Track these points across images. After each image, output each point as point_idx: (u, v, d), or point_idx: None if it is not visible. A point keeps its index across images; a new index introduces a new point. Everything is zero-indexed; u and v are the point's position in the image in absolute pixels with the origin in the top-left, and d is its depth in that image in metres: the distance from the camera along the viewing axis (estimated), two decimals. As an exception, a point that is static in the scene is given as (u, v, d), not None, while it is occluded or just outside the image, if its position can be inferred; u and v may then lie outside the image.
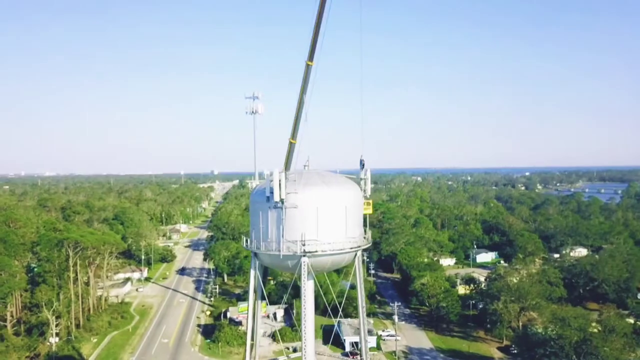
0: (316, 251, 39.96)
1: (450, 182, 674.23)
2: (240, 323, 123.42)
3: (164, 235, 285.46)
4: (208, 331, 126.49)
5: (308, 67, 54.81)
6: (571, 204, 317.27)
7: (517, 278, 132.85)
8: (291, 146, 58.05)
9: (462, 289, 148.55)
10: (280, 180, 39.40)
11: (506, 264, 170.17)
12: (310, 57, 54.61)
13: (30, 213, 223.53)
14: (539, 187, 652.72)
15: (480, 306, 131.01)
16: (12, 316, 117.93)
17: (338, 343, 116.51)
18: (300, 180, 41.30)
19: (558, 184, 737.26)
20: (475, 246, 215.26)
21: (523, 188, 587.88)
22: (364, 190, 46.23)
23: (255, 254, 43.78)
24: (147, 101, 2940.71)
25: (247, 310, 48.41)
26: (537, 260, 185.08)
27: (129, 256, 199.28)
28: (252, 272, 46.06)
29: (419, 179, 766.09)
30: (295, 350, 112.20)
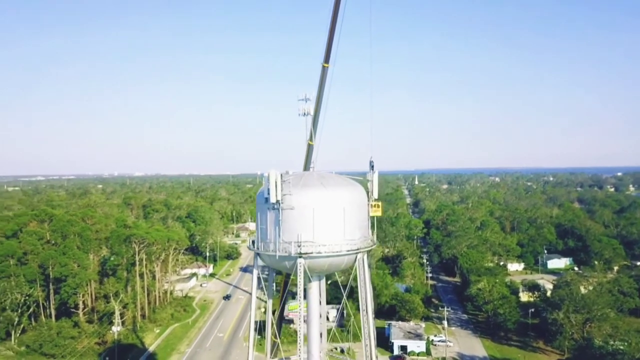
0: (311, 253, 40.10)
1: (529, 183, 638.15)
2: (291, 321, 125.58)
3: (232, 233, 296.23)
4: (261, 327, 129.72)
5: (324, 69, 55.01)
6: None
7: (586, 286, 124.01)
8: (309, 148, 58.49)
9: (525, 296, 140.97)
10: (276, 182, 39.97)
11: (580, 271, 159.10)
12: (326, 59, 54.80)
13: (114, 210, 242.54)
14: (631, 188, 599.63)
15: (544, 315, 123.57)
16: (84, 305, 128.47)
17: (386, 346, 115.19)
18: (298, 182, 41.53)
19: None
20: (546, 251, 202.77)
21: (612, 189, 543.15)
22: (371, 192, 45.61)
23: (258, 254, 44.71)
24: (230, 105, 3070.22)
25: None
26: (615, 267, 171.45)
27: (197, 253, 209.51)
28: (254, 272, 47.10)
29: (497, 179, 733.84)
30: (342, 351, 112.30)
